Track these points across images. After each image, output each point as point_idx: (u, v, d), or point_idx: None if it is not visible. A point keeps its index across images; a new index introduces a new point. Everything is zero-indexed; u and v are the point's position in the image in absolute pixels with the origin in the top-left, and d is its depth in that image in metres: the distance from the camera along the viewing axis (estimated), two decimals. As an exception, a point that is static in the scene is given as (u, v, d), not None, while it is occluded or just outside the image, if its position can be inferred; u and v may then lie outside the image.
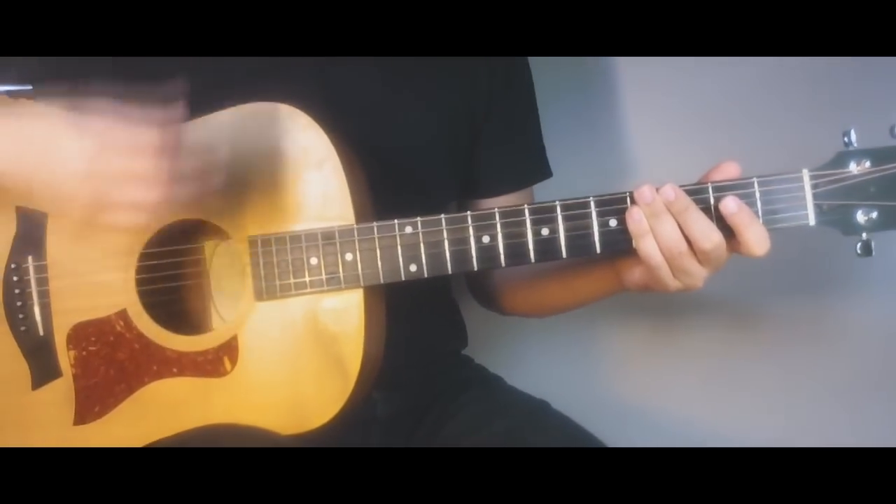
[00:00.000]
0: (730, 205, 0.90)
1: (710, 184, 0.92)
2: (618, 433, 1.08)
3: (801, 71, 1.24)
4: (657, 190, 0.91)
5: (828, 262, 1.15)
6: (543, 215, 0.93)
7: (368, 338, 0.97)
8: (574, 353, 1.47)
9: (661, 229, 0.91)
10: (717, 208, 0.91)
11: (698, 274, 0.93)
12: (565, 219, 0.93)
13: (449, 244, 0.95)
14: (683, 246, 0.91)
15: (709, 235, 0.90)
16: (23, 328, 1.00)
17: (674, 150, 1.32)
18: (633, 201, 0.92)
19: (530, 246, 0.94)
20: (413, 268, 0.95)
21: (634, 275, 0.99)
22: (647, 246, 0.92)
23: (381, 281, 0.96)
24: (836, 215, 0.91)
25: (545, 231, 0.93)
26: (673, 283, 0.94)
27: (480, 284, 1.25)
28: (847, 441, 1.29)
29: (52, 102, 0.90)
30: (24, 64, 1.01)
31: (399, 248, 0.95)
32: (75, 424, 1.00)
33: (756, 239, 0.90)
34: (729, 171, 0.93)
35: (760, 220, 0.91)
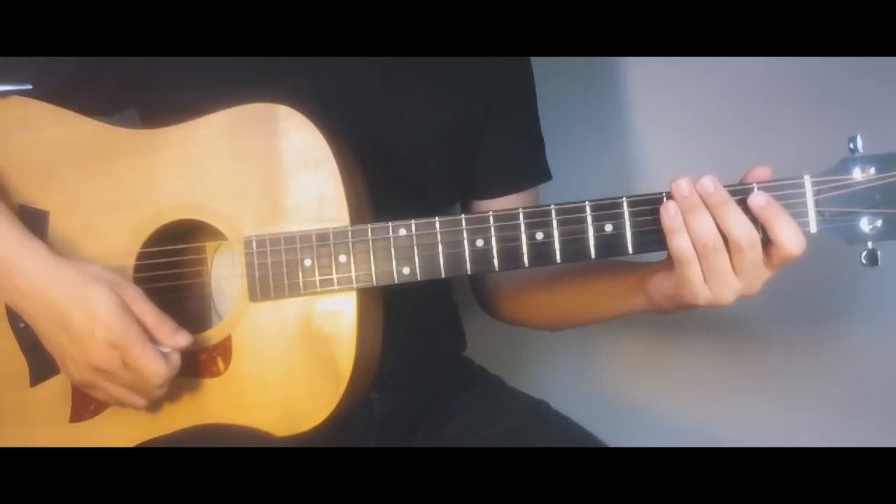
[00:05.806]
0: (758, 198, 0.86)
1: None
2: (618, 433, 1.07)
3: (804, 74, 1.22)
4: (694, 182, 0.86)
5: (832, 270, 1.12)
6: (538, 219, 0.92)
7: (362, 340, 0.96)
8: (573, 354, 1.46)
9: (697, 224, 0.86)
10: (745, 210, 0.86)
11: (731, 282, 0.87)
12: (560, 223, 0.91)
13: (443, 247, 0.94)
14: (719, 242, 0.86)
15: (747, 232, 0.85)
16: (22, 325, 1.00)
17: (676, 153, 1.31)
18: (636, 203, 0.89)
19: (524, 250, 0.92)
20: (406, 271, 0.94)
21: (664, 285, 0.93)
22: (680, 242, 0.87)
23: (375, 283, 0.95)
24: (839, 223, 0.88)
25: (540, 235, 0.92)
26: (703, 289, 0.88)
27: (486, 289, 1.22)
28: (846, 442, 1.26)
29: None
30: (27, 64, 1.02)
31: (393, 250, 0.94)
32: (71, 422, 1.00)
33: (789, 236, 0.85)
34: (761, 175, 0.89)
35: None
